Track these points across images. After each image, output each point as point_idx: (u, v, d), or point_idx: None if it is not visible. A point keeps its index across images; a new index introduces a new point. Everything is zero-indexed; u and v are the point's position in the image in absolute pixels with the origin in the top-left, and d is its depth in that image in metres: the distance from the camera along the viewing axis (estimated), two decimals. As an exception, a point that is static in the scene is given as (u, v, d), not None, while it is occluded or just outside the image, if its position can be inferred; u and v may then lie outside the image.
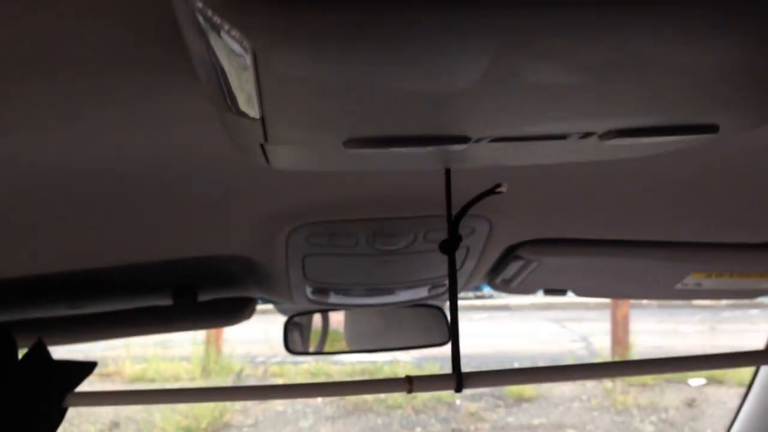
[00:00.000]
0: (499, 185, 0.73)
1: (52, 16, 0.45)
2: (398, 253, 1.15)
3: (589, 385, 7.04)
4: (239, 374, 7.40)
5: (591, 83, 0.37)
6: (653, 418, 6.20)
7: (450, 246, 0.75)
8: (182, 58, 0.49)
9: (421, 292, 1.41)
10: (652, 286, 1.38)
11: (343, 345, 1.84)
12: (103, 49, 0.50)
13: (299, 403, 6.73)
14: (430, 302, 1.53)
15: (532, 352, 8.11)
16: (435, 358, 7.76)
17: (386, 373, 7.36)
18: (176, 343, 7.58)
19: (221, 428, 6.12)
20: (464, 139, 0.44)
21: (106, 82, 0.57)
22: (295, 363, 7.71)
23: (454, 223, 0.75)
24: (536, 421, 6.16)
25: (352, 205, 1.01)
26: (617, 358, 7.89)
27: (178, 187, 0.90)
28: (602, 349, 8.16)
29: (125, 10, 0.44)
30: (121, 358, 7.32)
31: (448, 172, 0.74)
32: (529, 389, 6.79)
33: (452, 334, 0.81)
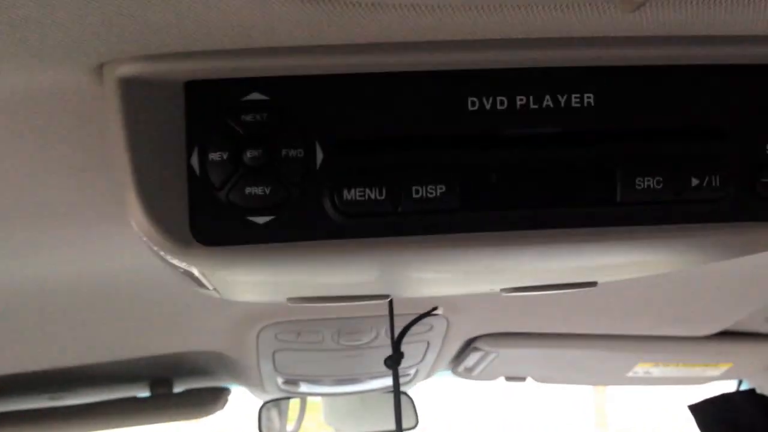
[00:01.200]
0: (435, 308, 0.82)
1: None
2: (362, 347, 1.23)
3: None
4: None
5: (480, 277, 0.46)
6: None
7: (393, 362, 0.83)
8: None
9: (387, 381, 1.47)
10: (604, 374, 1.46)
11: (320, 420, 1.89)
12: (90, 197, 0.60)
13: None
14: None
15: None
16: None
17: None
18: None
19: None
20: (386, 297, 0.54)
21: (85, 211, 0.66)
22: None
23: (396, 342, 0.84)
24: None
25: (317, 306, 1.10)
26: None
27: (153, 293, 0.99)
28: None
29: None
30: None
31: (390, 302, 0.82)
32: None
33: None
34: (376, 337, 1.20)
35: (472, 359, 1.39)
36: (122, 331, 1.13)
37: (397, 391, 0.81)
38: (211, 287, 0.46)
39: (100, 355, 1.19)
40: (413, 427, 1.63)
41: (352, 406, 1.79)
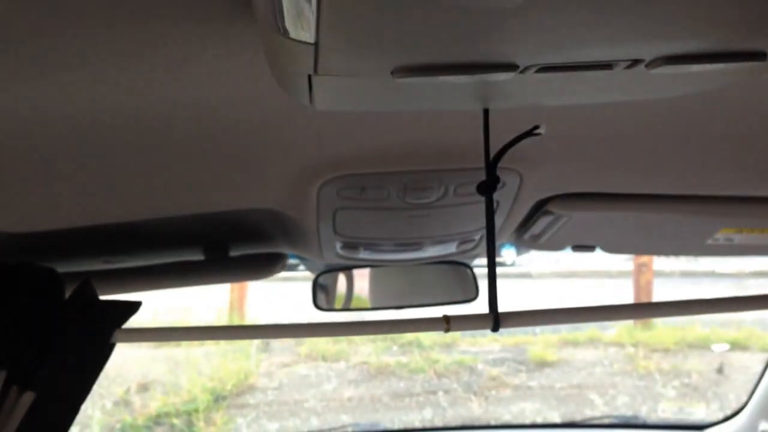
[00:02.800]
0: (537, 127, 0.73)
1: None
2: (429, 207, 1.16)
3: (612, 351, 7.06)
4: (267, 344, 7.49)
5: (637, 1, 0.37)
6: (676, 383, 6.21)
7: (487, 187, 0.75)
8: None
9: (450, 248, 1.41)
10: (682, 241, 1.38)
11: (367, 305, 1.86)
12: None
13: (323, 366, 6.82)
14: (457, 259, 1.54)
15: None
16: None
17: (408, 338, 7.43)
18: (200, 310, 7.69)
19: (246, 390, 6.22)
20: (512, 67, 0.44)
21: (137, 28, 0.57)
22: (318, 328, 7.78)
23: (492, 164, 0.75)
24: (558, 385, 6.19)
25: (383, 158, 1.02)
26: (642, 324, 7.88)
27: (209, 139, 0.91)
28: (625, 316, 8.14)
29: None
30: (145, 324, 7.41)
31: (486, 112, 0.74)
32: (550, 355, 6.83)
33: (489, 275, 0.82)
34: (444, 195, 1.13)
35: (540, 225, 1.32)
36: (175, 183, 1.07)
37: (491, 223, 0.74)
38: (310, 37, 0.37)
39: (153, 210, 1.14)
40: (473, 299, 1.59)
41: (401, 283, 1.74)
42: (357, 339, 7.58)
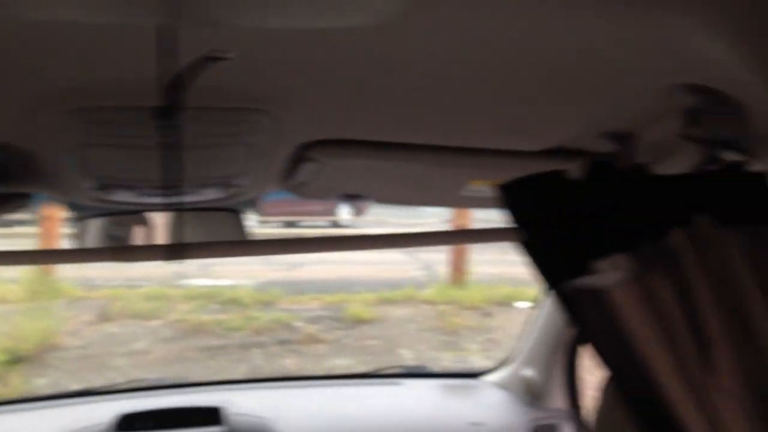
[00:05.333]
0: (225, 51, 0.71)
1: None
2: (180, 147, 1.12)
3: (425, 308, 7.38)
4: (74, 303, 7.10)
5: None
6: (479, 338, 6.61)
7: (164, 113, 0.72)
8: None
9: (216, 193, 1.38)
10: (441, 192, 1.43)
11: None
12: None
13: (135, 325, 6.59)
14: (225, 205, 1.51)
15: (377, 277, 8.37)
16: (279, 283, 7.84)
17: (228, 296, 7.34)
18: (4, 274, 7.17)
19: (48, 350, 5.86)
20: None
21: None
22: (132, 287, 7.52)
23: (169, 87, 0.72)
24: (372, 342, 6.38)
25: (122, 90, 0.96)
26: (456, 284, 8.30)
27: None
28: (444, 275, 8.55)
29: None
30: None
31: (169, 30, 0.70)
32: (367, 312, 7.01)
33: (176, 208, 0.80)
34: (195, 136, 1.09)
35: (305, 172, 1.32)
36: None
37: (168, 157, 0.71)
38: None
39: None
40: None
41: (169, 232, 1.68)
42: (175, 297, 7.39)
